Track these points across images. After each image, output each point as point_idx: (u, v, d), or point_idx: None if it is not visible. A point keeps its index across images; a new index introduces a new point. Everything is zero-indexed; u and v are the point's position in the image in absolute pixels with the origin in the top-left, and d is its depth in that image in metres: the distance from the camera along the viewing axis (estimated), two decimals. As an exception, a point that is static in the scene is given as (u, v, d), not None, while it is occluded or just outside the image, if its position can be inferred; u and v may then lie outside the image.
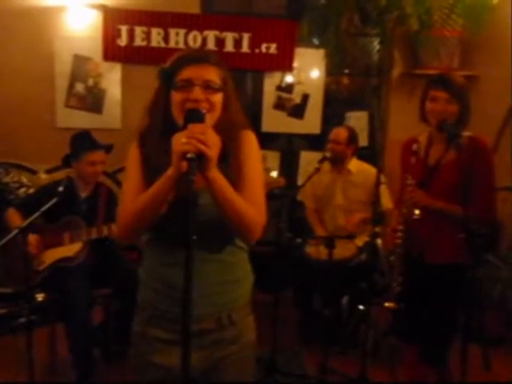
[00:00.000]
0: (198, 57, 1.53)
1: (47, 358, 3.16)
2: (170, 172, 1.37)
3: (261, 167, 1.64)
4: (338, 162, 3.66)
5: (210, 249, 1.54)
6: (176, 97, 1.49)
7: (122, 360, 3.21)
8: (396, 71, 4.38)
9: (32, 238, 2.94)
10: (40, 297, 3.01)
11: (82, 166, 3.12)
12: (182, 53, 1.56)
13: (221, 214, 1.45)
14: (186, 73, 1.49)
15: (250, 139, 1.63)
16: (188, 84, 1.48)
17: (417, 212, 2.24)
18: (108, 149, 3.19)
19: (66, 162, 3.19)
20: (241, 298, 1.63)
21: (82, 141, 3.15)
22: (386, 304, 2.39)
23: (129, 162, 1.58)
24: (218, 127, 1.48)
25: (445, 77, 2.31)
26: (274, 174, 4.15)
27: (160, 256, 1.57)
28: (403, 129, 3.82)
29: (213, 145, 1.32)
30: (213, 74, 1.52)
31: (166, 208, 1.45)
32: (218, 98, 1.52)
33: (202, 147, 1.29)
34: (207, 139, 1.30)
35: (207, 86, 1.49)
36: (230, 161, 1.52)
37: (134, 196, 1.50)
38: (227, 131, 1.53)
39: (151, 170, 1.50)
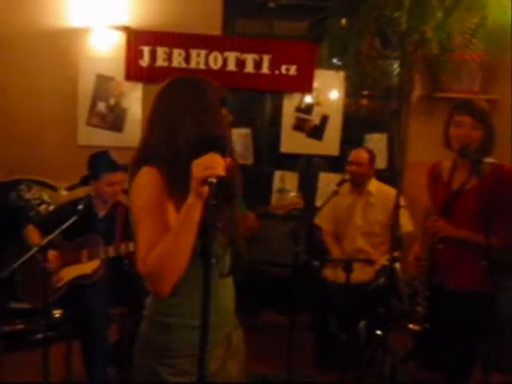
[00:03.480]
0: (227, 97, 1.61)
1: (63, 375, 3.16)
2: (190, 200, 1.35)
3: None
4: (359, 184, 3.65)
5: (222, 272, 1.55)
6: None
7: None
8: (416, 94, 4.37)
9: (51, 254, 2.96)
10: (57, 313, 3.03)
11: (100, 187, 3.14)
12: (212, 91, 1.59)
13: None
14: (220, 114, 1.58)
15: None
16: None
17: (440, 246, 2.23)
18: (127, 168, 3.21)
19: (84, 182, 3.22)
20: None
21: (101, 161, 3.18)
22: (411, 326, 2.36)
23: (151, 193, 1.46)
24: None
25: (469, 102, 2.31)
26: (292, 194, 4.16)
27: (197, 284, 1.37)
28: (422, 152, 3.82)
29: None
30: None
31: None
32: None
33: (222, 173, 1.33)
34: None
35: None
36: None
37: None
38: None
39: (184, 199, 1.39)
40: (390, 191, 3.58)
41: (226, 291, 1.62)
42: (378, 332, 3.32)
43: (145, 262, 1.38)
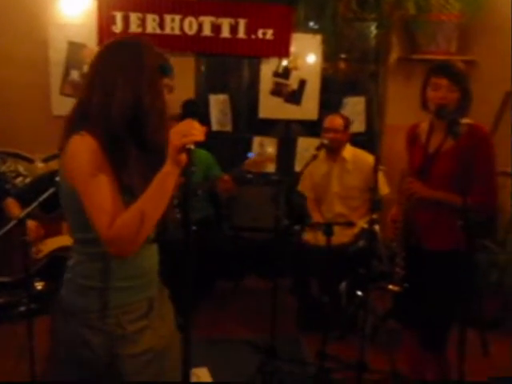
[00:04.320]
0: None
1: (47, 347, 3.17)
2: (168, 167, 1.35)
3: None
4: (334, 150, 3.65)
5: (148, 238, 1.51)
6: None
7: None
8: (393, 56, 4.37)
9: (31, 223, 2.93)
10: (39, 285, 3.02)
11: None
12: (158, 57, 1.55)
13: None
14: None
15: None
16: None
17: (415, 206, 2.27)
18: None
19: None
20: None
21: None
22: (390, 287, 2.41)
23: (92, 161, 1.40)
24: None
25: (446, 64, 2.31)
26: (270, 149, 4.16)
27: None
28: (401, 114, 3.84)
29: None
30: None
31: None
32: None
33: (200, 139, 1.34)
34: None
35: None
36: None
37: (118, 206, 1.39)
38: None
39: (123, 173, 1.42)
40: (365, 156, 3.60)
41: (150, 255, 1.62)
42: (359, 292, 3.39)
43: (109, 227, 1.36)
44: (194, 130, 1.33)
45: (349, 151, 3.70)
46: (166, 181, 1.36)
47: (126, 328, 1.52)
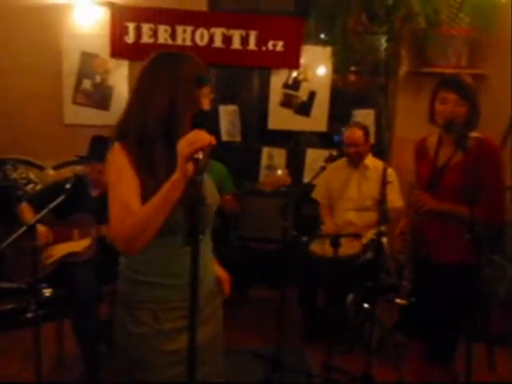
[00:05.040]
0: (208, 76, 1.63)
1: (55, 353, 3.18)
2: (176, 176, 1.39)
3: None
4: (356, 160, 3.70)
5: (204, 231, 1.62)
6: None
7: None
8: (403, 69, 4.38)
9: (41, 228, 2.95)
10: (47, 292, 3.04)
11: (93, 173, 3.13)
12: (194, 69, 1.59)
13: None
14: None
15: None
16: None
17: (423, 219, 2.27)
18: None
19: (79, 161, 3.22)
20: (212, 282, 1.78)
21: (104, 146, 3.15)
22: (398, 300, 2.41)
23: (118, 170, 1.52)
24: None
25: (455, 78, 2.32)
26: (280, 172, 4.18)
27: (166, 249, 1.59)
28: (410, 127, 3.84)
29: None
30: None
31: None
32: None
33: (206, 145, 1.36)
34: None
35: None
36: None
37: (131, 207, 1.47)
38: None
39: (150, 177, 1.50)
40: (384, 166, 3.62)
41: (208, 250, 1.70)
42: (366, 305, 3.38)
43: (120, 226, 1.46)
44: (200, 141, 1.35)
45: (371, 160, 3.74)
46: (172, 190, 1.41)
47: (162, 324, 1.59)
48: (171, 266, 1.60)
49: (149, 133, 1.52)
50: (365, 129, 3.74)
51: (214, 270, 1.79)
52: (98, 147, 3.15)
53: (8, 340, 3.41)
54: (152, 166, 1.50)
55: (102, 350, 3.12)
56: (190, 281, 1.33)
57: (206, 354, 1.66)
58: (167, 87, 1.53)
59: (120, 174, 1.51)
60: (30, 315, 3.36)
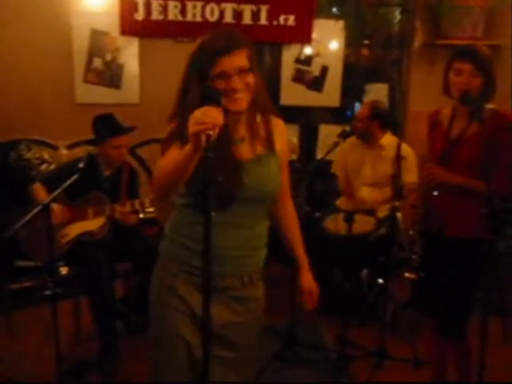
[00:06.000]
0: (228, 46, 1.54)
1: (72, 329, 3.24)
2: (187, 147, 1.42)
3: None
4: (366, 138, 3.63)
5: (245, 217, 1.68)
6: (216, 85, 1.54)
7: (143, 332, 3.28)
8: (418, 42, 4.29)
9: (56, 207, 2.98)
10: (64, 270, 3.08)
11: (106, 150, 3.14)
12: (211, 43, 1.57)
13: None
14: (220, 66, 1.54)
15: (285, 131, 1.79)
16: (224, 75, 1.54)
17: (435, 193, 2.24)
18: (131, 131, 3.21)
19: (89, 143, 3.22)
20: (258, 264, 1.79)
21: (106, 125, 3.15)
22: (407, 274, 2.41)
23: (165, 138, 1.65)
24: (249, 108, 1.61)
25: (470, 48, 2.26)
26: (294, 139, 4.15)
27: (193, 216, 1.65)
28: (424, 101, 3.77)
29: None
30: (243, 58, 1.57)
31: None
32: (251, 78, 1.58)
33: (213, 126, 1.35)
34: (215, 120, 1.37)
35: (241, 72, 1.55)
36: (274, 150, 1.71)
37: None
38: (255, 112, 1.67)
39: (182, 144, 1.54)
40: (405, 146, 3.54)
41: (229, 236, 1.67)
42: (380, 280, 3.38)
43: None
44: (206, 118, 1.34)
45: (388, 139, 3.64)
46: (183, 159, 1.44)
47: (175, 281, 1.68)
48: (197, 233, 1.55)
49: (187, 112, 1.50)
50: (375, 108, 3.62)
51: (258, 252, 1.78)
52: (102, 126, 3.16)
53: (27, 316, 3.48)
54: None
55: (118, 327, 3.17)
56: (202, 260, 1.36)
57: (233, 335, 1.72)
58: (201, 66, 1.56)
59: (169, 148, 1.58)
60: (47, 292, 3.41)
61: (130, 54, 4.24)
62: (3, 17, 4.03)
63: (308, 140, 4.57)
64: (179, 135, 1.55)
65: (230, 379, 1.73)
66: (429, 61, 4.19)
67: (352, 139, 3.66)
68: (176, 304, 1.68)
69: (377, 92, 4.50)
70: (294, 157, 3.65)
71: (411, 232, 2.39)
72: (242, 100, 1.55)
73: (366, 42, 4.65)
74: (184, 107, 1.57)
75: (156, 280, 1.76)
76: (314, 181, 4.06)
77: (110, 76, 4.27)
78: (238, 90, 1.53)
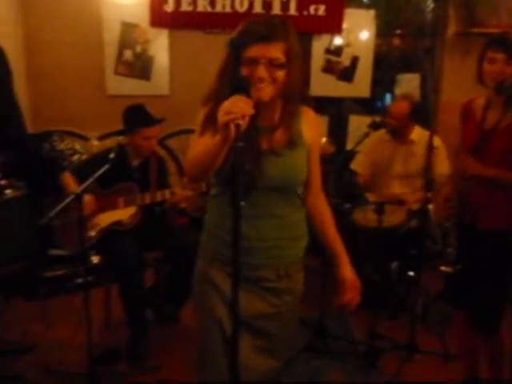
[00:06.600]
0: (265, 35, 1.53)
1: (103, 318, 3.29)
2: (217, 137, 1.42)
3: None
4: (397, 134, 3.56)
5: (276, 207, 1.68)
6: (242, 71, 1.56)
7: (173, 321, 3.32)
8: (451, 31, 4.20)
9: (88, 198, 3.02)
10: (95, 259, 3.12)
11: (136, 140, 3.17)
12: (250, 26, 1.57)
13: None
14: (253, 51, 1.54)
15: (315, 121, 1.79)
16: (253, 62, 1.54)
17: (468, 184, 2.21)
18: (162, 122, 3.23)
19: (120, 133, 3.25)
20: (297, 255, 1.78)
21: (137, 115, 3.17)
22: (443, 268, 2.37)
23: (197, 121, 1.67)
24: (279, 100, 1.63)
25: (503, 37, 2.21)
26: (323, 139, 4.11)
27: (223, 206, 1.65)
28: (458, 91, 3.68)
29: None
30: (278, 52, 1.55)
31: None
32: (280, 73, 1.57)
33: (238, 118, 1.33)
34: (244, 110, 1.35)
35: (271, 64, 1.54)
36: (302, 139, 1.69)
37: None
38: (287, 104, 1.66)
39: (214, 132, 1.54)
40: (435, 139, 3.47)
41: (277, 225, 1.70)
42: (411, 273, 3.33)
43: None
44: (235, 108, 1.33)
45: (417, 133, 3.57)
46: (213, 148, 1.45)
47: (210, 269, 1.73)
48: (227, 223, 1.54)
49: (220, 98, 1.52)
50: (414, 105, 3.54)
51: (295, 243, 1.78)
52: (134, 116, 3.18)
53: (61, 304, 3.56)
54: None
55: (148, 316, 3.21)
56: (232, 249, 1.35)
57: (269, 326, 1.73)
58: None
59: (199, 130, 1.63)
60: (79, 281, 3.48)
61: (159, 46, 4.27)
62: (39, 13, 4.10)
63: (338, 131, 4.53)
64: (212, 121, 1.54)
65: (264, 367, 1.75)
66: (462, 50, 4.09)
67: (379, 134, 3.57)
68: (210, 291, 1.71)
69: (408, 82, 4.42)
70: (332, 150, 3.60)
71: (447, 224, 2.35)
72: (264, 90, 1.54)
73: (398, 31, 4.57)
74: (218, 92, 1.59)
75: (196, 269, 1.81)
76: (344, 172, 4.02)
77: (141, 68, 4.31)
78: (261, 79, 1.52)
